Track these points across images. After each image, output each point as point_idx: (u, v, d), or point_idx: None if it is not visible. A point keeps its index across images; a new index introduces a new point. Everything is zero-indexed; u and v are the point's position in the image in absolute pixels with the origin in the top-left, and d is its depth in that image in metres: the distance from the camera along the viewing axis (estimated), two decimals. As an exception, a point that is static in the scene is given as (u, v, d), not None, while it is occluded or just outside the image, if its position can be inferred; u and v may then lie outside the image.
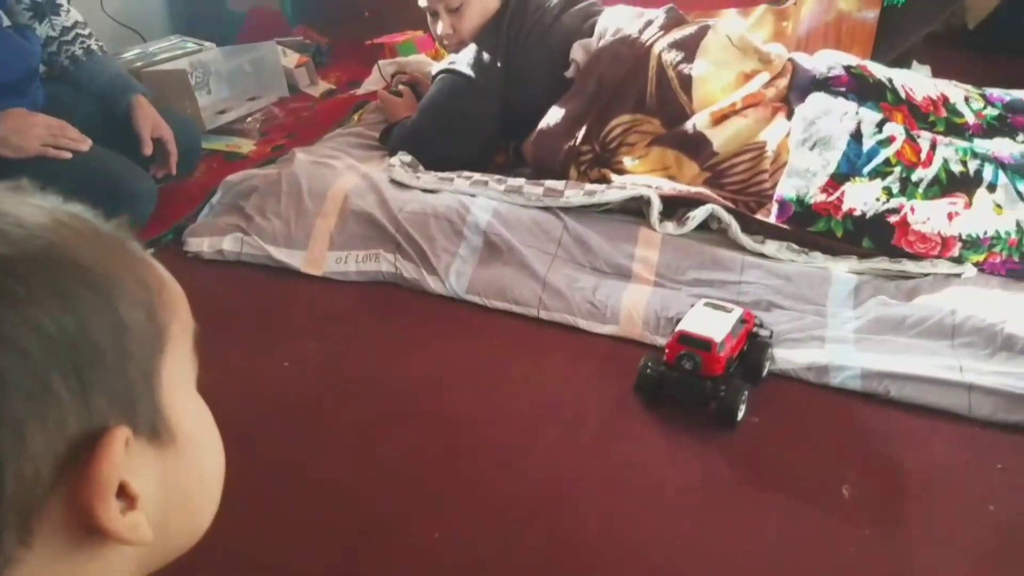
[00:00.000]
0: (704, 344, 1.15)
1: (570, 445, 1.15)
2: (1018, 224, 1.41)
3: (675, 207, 1.57)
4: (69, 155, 1.54)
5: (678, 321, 1.21)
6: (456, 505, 1.05)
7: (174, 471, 0.44)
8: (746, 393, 1.16)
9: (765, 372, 1.24)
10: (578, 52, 1.74)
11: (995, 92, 1.69)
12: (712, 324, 1.18)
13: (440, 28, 1.87)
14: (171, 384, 0.44)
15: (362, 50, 2.56)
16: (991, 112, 1.64)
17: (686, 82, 1.66)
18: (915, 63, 2.44)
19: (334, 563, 0.97)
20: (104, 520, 0.38)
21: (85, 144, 1.57)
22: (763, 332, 1.27)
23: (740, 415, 1.16)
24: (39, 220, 0.40)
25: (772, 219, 1.52)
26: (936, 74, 2.22)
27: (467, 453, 1.13)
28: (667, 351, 1.19)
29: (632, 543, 0.99)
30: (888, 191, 1.46)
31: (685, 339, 1.16)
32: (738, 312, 1.21)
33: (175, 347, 0.44)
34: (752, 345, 1.24)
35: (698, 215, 1.51)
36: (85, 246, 0.41)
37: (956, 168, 1.48)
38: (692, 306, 1.24)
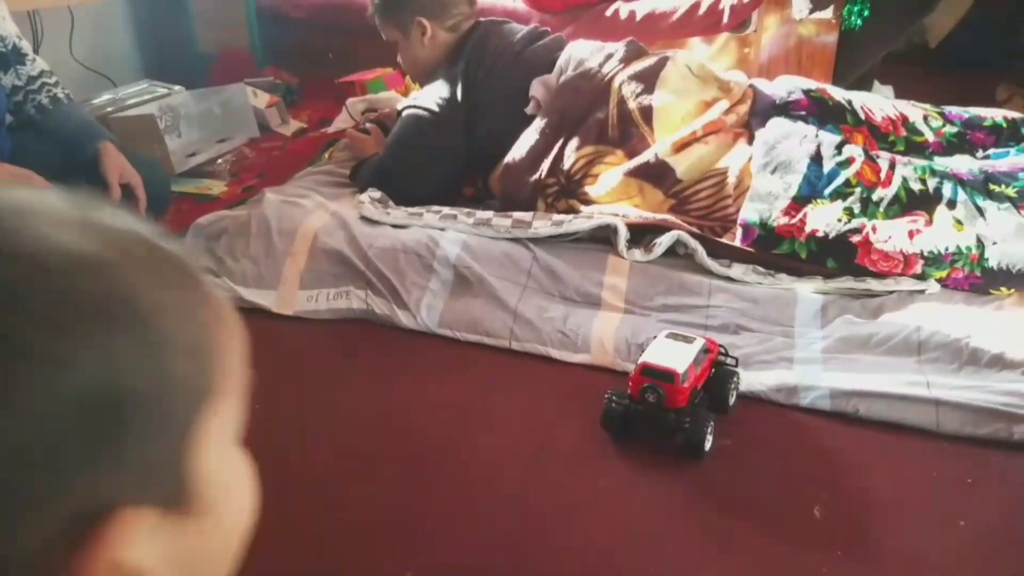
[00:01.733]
0: (667, 376, 1.13)
1: (542, 478, 1.14)
2: (979, 239, 1.43)
3: (642, 234, 1.58)
4: (35, 204, 1.54)
5: (642, 352, 1.20)
6: (426, 544, 1.04)
7: (189, 541, 0.38)
8: (712, 424, 1.15)
9: (732, 400, 1.24)
10: (537, 88, 1.77)
11: (954, 110, 1.73)
12: (674, 355, 1.16)
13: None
14: (206, 445, 0.38)
15: (332, 88, 2.58)
16: (950, 130, 1.67)
17: (647, 113, 1.68)
18: (877, 84, 2.48)
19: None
20: None
21: (52, 192, 1.57)
22: (728, 360, 1.26)
23: (707, 446, 1.15)
24: (90, 250, 0.33)
25: (737, 243, 1.54)
26: (898, 94, 2.26)
27: (437, 490, 1.13)
28: (630, 384, 1.17)
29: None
30: (849, 211, 1.48)
31: (647, 371, 1.15)
32: (700, 342, 1.20)
33: (221, 402, 0.38)
34: (718, 374, 1.24)
35: (664, 241, 1.53)
36: (141, 279, 0.34)
37: (916, 186, 1.50)
38: (654, 337, 1.22)
